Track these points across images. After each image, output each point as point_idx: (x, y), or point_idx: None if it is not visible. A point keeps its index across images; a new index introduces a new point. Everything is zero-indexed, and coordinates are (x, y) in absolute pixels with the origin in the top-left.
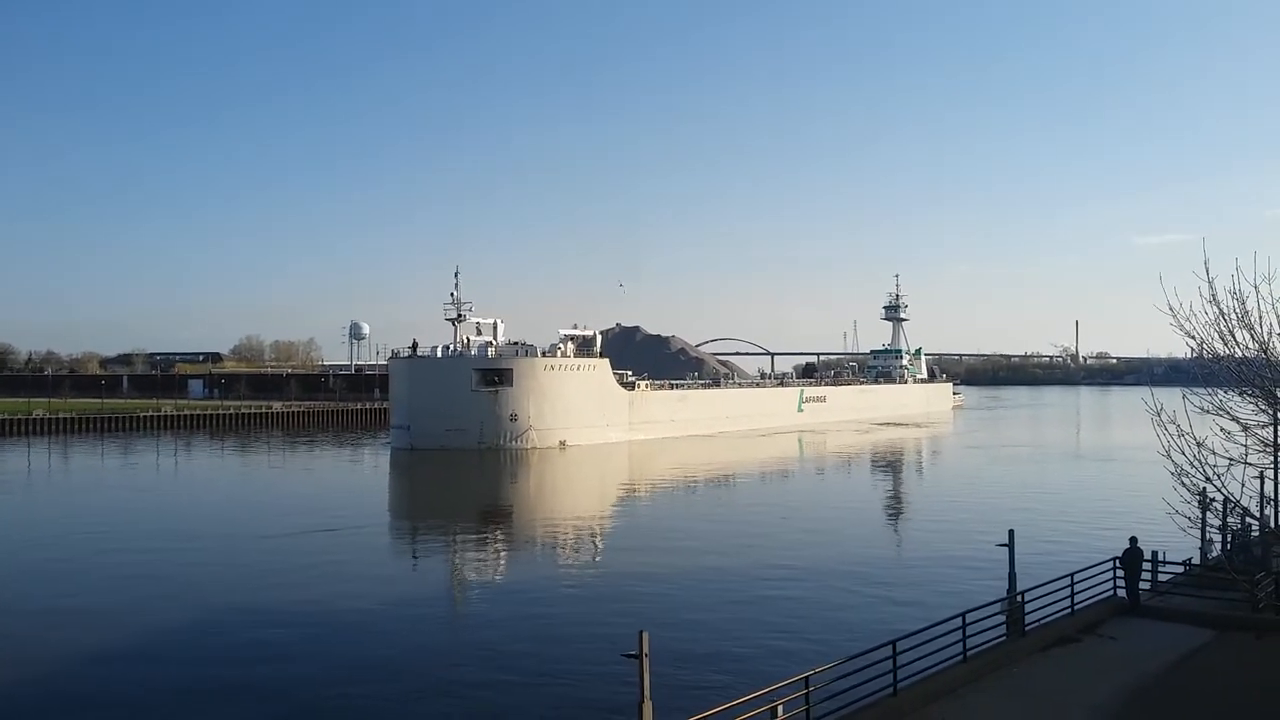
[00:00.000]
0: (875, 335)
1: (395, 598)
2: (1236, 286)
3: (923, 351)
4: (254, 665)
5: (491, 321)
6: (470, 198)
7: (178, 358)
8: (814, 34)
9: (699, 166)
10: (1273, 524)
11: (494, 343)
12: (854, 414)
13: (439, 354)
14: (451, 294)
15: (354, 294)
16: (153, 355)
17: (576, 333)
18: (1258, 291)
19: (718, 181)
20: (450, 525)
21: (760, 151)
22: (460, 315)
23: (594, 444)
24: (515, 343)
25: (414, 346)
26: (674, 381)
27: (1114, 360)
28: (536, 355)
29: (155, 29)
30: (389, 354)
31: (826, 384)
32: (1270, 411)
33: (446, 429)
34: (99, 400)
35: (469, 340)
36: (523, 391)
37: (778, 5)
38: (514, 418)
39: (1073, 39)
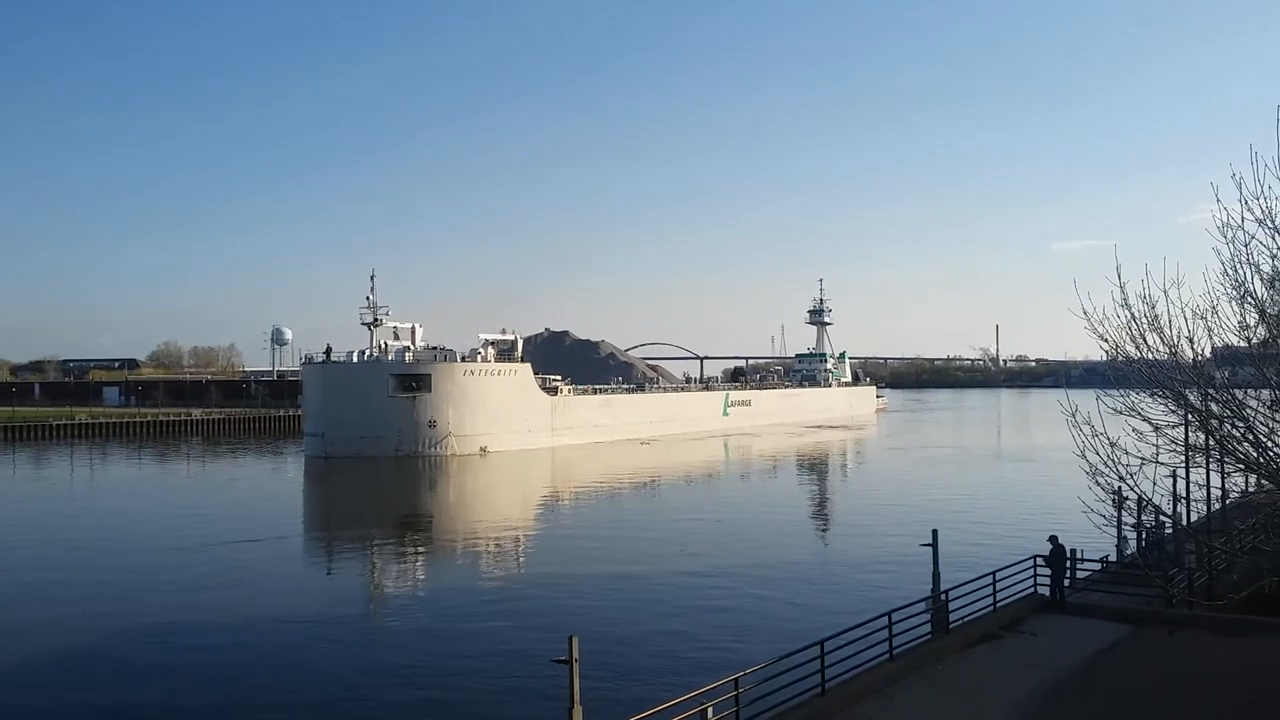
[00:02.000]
0: (803, 339)
1: (310, 611)
2: (1147, 291)
3: (847, 355)
4: (163, 683)
5: (410, 326)
6: (396, 201)
7: (92, 364)
8: (742, 43)
9: (628, 172)
10: (1185, 522)
11: (412, 347)
12: (779, 417)
13: (355, 359)
14: (368, 298)
15: (277, 299)
16: (66, 362)
17: (497, 337)
18: (1167, 296)
19: (648, 187)
20: (367, 536)
21: (689, 157)
22: (377, 319)
23: (516, 450)
24: (434, 347)
25: (328, 351)
26: (598, 386)
27: (1033, 363)
28: (456, 360)
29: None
30: (303, 359)
31: (752, 388)
32: (1180, 412)
33: (362, 436)
34: (9, 409)
35: (386, 345)
36: (441, 397)
37: (708, 16)
38: (433, 424)
39: (995, 48)
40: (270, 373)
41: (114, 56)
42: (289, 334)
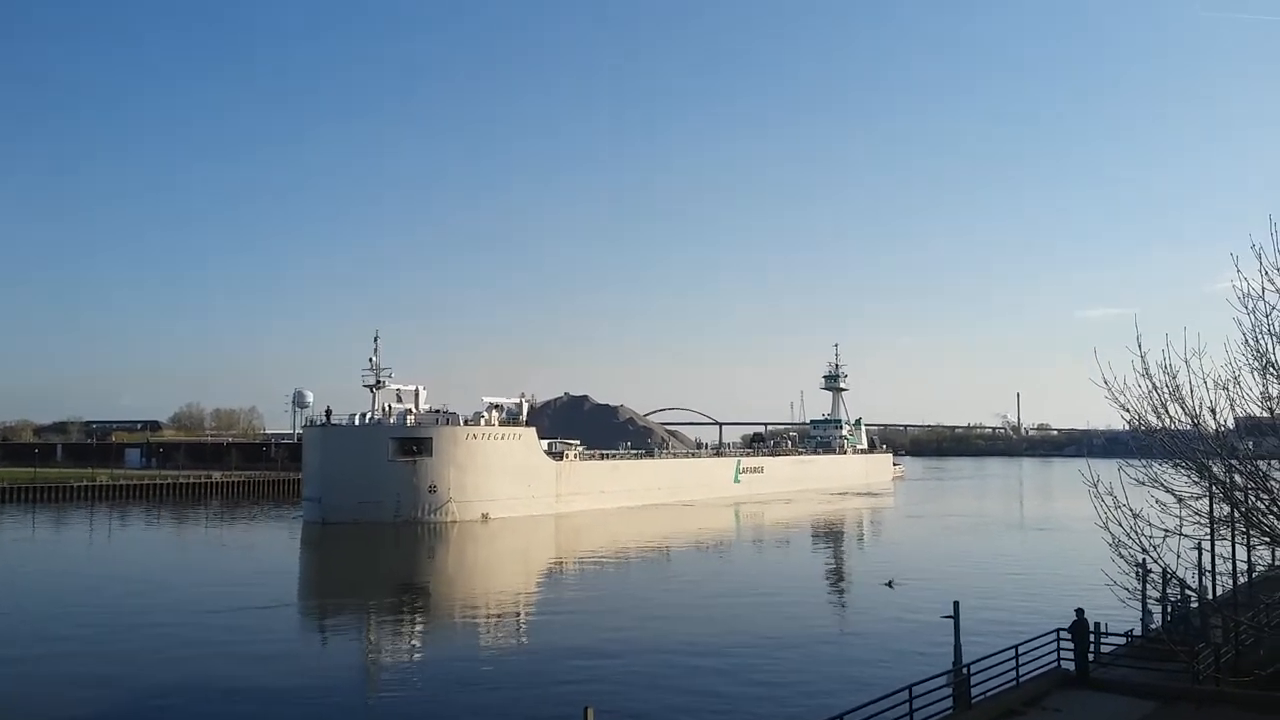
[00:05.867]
0: (822, 405)
1: (301, 682)
2: (1168, 361)
3: (863, 422)
4: None
5: (413, 388)
6: (416, 265)
7: (115, 426)
8: (757, 98)
9: (649, 238)
10: (1210, 596)
11: (414, 411)
12: (792, 485)
13: (356, 422)
14: (370, 360)
15: (299, 361)
16: (89, 423)
17: (501, 400)
18: (1188, 366)
19: (669, 252)
20: (364, 605)
21: (708, 218)
22: (379, 381)
23: (519, 516)
24: (437, 410)
25: (328, 414)
26: (605, 451)
27: (1055, 432)
28: (459, 423)
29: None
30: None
31: (765, 454)
32: (1203, 484)
33: (360, 501)
34: (31, 470)
35: (389, 408)
36: (443, 461)
37: (717, 68)
38: (433, 489)
39: (1014, 109)
40: (291, 435)
41: (151, 119)
42: (310, 396)
